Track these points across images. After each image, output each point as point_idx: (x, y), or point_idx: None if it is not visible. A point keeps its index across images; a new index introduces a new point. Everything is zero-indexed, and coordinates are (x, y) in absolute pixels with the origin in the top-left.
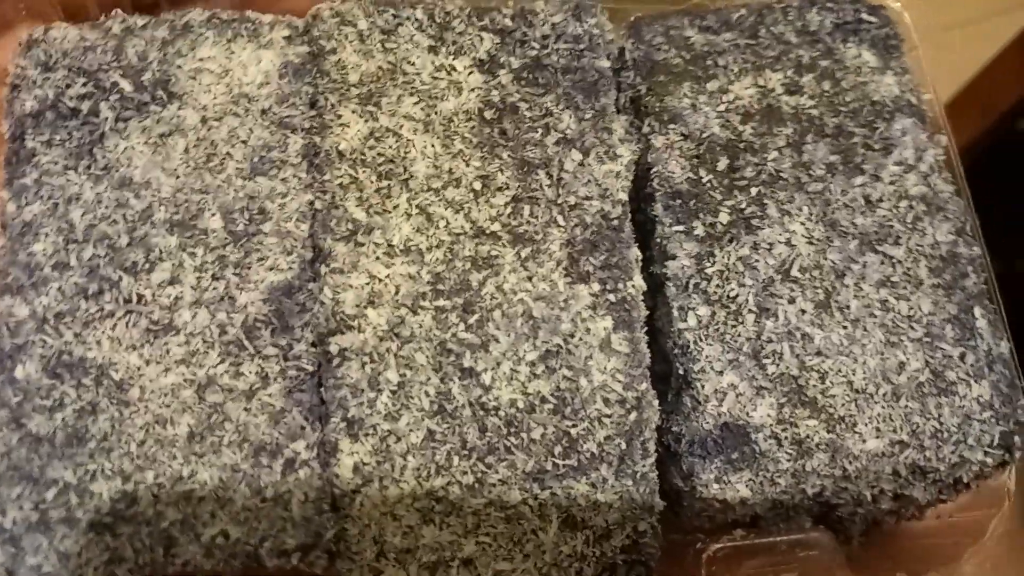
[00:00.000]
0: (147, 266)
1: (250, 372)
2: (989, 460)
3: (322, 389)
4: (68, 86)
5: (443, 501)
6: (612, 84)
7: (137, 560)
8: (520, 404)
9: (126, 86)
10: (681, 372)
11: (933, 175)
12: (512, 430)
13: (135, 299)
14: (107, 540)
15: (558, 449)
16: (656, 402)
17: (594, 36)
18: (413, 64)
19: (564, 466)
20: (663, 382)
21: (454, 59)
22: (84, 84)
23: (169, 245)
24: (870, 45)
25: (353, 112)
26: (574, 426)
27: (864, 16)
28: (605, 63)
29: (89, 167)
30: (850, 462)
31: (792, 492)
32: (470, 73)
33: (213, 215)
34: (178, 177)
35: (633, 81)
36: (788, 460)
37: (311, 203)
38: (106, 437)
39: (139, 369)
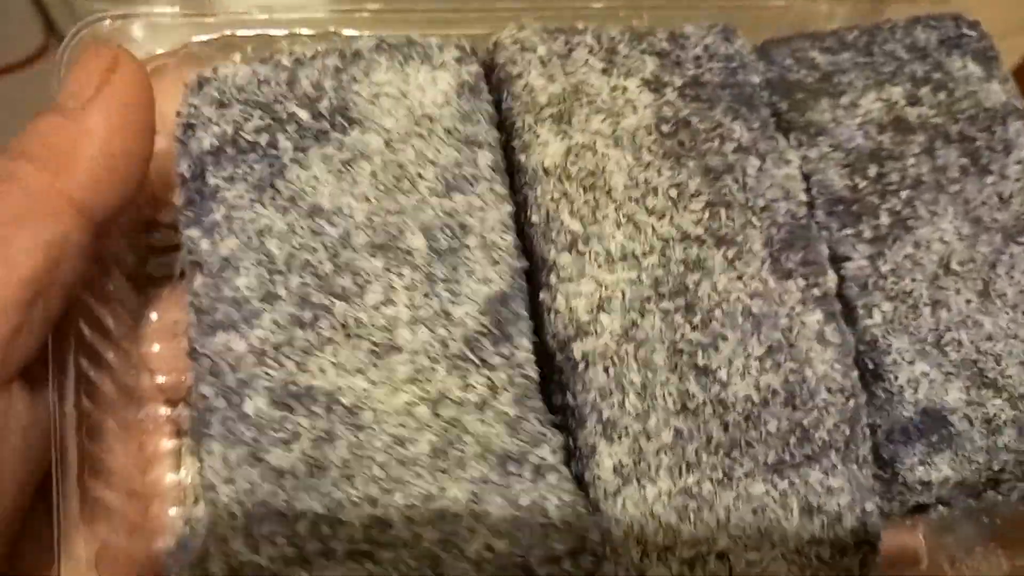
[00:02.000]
0: (357, 290)
1: (478, 384)
2: None
3: (567, 395)
4: (246, 119)
5: (697, 497)
6: (764, 99)
7: None
8: (755, 398)
9: (303, 115)
10: (871, 367)
11: None
12: (751, 424)
13: (352, 323)
14: (369, 567)
15: (793, 440)
16: (865, 393)
17: (744, 56)
18: (592, 85)
19: (800, 455)
20: None
21: (626, 79)
22: (261, 117)
23: (375, 268)
24: (972, 57)
25: (549, 131)
26: (805, 416)
27: (965, 31)
28: (756, 78)
29: (274, 198)
30: None
31: (985, 470)
32: (640, 92)
33: (414, 235)
34: (369, 201)
35: (771, 99)
36: (981, 438)
37: (511, 214)
38: (347, 464)
39: (367, 392)
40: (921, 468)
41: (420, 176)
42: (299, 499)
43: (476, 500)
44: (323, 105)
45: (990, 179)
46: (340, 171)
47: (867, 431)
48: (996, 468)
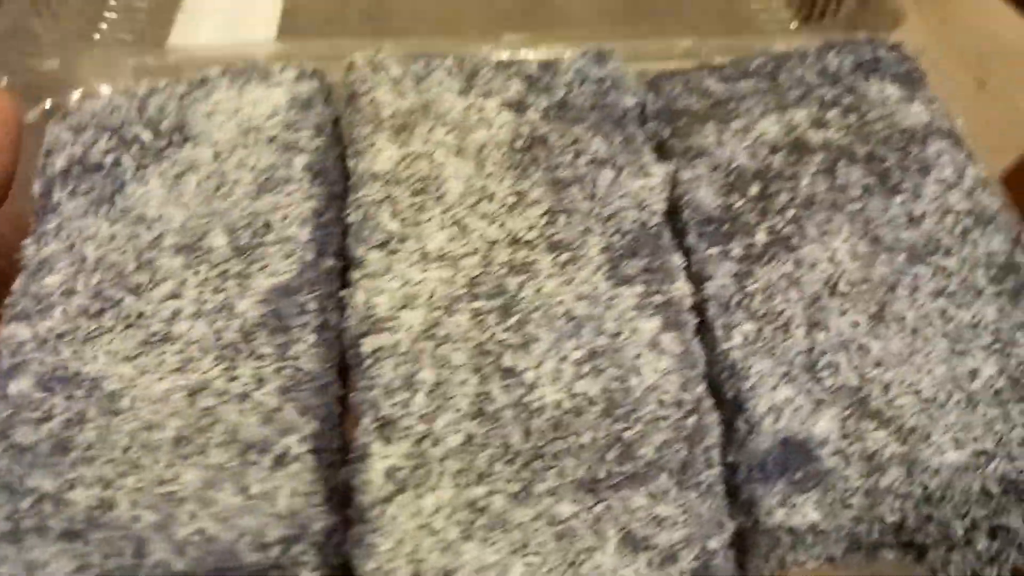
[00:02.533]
0: (150, 286)
1: (245, 374)
2: None
3: (351, 395)
4: (94, 142)
5: (486, 512)
6: (638, 121)
7: (104, 565)
8: (566, 405)
9: (146, 136)
10: (731, 396)
11: (978, 191)
12: (559, 433)
13: (135, 316)
14: (77, 547)
15: (611, 455)
16: (716, 414)
17: (617, 78)
18: (444, 103)
19: (618, 473)
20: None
21: (484, 99)
22: (108, 139)
23: (174, 265)
24: (892, 79)
25: (387, 140)
26: (627, 429)
27: (881, 54)
28: (631, 100)
29: (108, 212)
30: (930, 477)
31: (868, 518)
32: (499, 112)
33: (217, 235)
34: (188, 208)
35: (657, 128)
36: (859, 477)
37: (315, 211)
38: (91, 446)
39: (132, 380)
40: (781, 511)
41: (237, 182)
42: (32, 476)
43: (207, 486)
44: (164, 125)
45: (899, 198)
46: (171, 184)
47: (715, 456)
48: (890, 518)
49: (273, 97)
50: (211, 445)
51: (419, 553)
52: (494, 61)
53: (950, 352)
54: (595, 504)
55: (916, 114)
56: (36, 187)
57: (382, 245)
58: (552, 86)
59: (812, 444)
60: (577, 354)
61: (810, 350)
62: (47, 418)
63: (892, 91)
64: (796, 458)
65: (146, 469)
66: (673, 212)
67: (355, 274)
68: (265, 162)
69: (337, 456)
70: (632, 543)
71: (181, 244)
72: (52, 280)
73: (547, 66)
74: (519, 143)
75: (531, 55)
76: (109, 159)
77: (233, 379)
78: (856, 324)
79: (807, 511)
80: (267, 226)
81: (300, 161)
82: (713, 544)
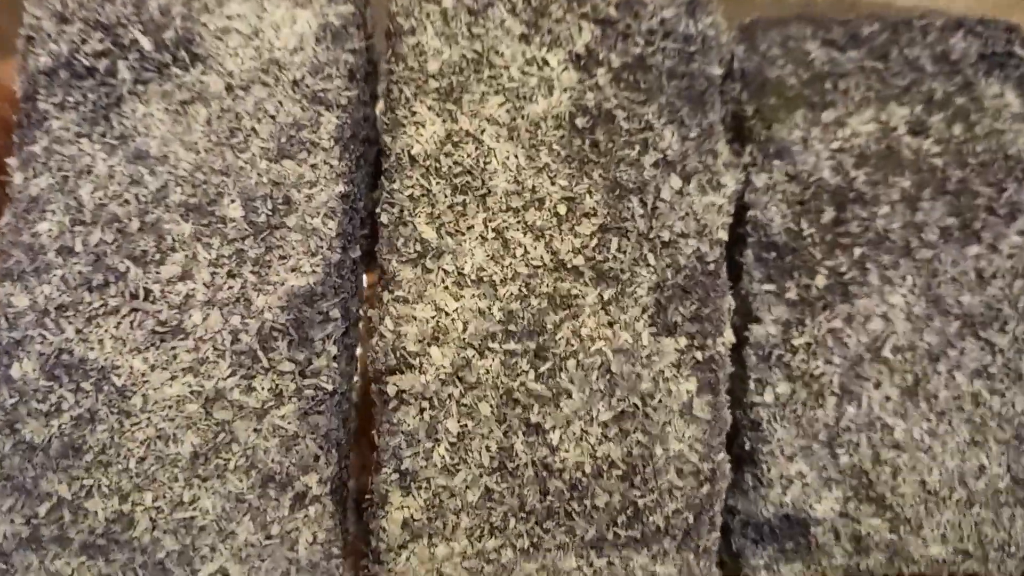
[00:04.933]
0: (157, 256)
1: (263, 388)
2: None
3: (374, 433)
4: (84, 41)
5: (494, 564)
6: (720, 97)
7: None
8: (587, 468)
9: (146, 44)
10: (748, 448)
11: None
12: (575, 495)
13: (142, 294)
14: (99, 565)
15: (622, 519)
16: (729, 469)
17: (708, 38)
18: (502, 55)
19: (626, 537)
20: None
21: (548, 51)
22: (101, 40)
23: (183, 233)
24: (1016, 84)
25: (430, 109)
26: (642, 496)
27: (1017, 50)
28: (717, 70)
29: (104, 135)
30: (908, 565)
31: None
32: (564, 69)
33: (233, 201)
34: (198, 153)
35: (739, 95)
36: (843, 556)
37: (343, 196)
38: (104, 450)
39: (143, 375)
40: (764, 573)
41: (255, 132)
42: (46, 479)
43: (226, 518)
44: (168, 35)
45: (974, 249)
46: (177, 112)
47: (717, 521)
48: None
49: (300, 22)
50: (229, 469)
51: None
52: None
53: (969, 442)
54: (598, 560)
55: None
56: (18, 84)
57: (416, 260)
58: (630, 34)
59: (810, 522)
60: (606, 416)
61: (836, 422)
62: (56, 412)
63: (1011, 99)
64: (792, 531)
65: (163, 486)
66: (736, 213)
67: (385, 294)
68: (288, 115)
69: (346, 487)
70: None
71: (191, 204)
72: (46, 228)
73: (628, 5)
74: (581, 120)
75: None
76: (102, 65)
77: (250, 390)
78: (888, 399)
79: None
80: (288, 202)
81: (329, 123)
82: None
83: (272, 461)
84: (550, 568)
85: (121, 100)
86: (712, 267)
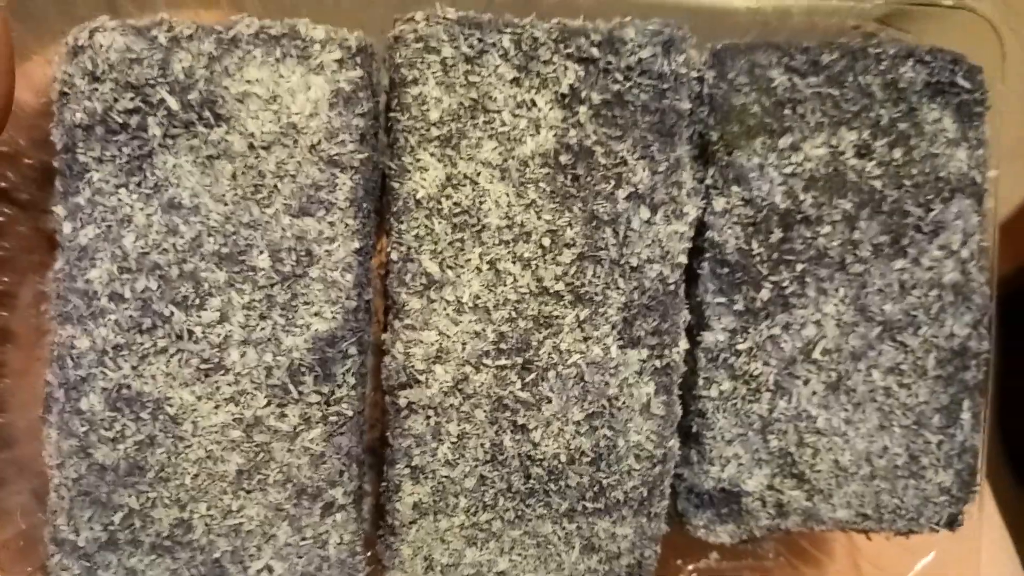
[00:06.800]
0: (197, 301)
1: (294, 415)
2: (927, 532)
3: (387, 434)
4: (116, 100)
5: (486, 531)
6: (688, 127)
7: None
8: (562, 457)
9: (173, 104)
10: (695, 431)
11: (971, 263)
12: (552, 478)
13: (186, 335)
14: (167, 562)
15: (590, 494)
16: (677, 449)
17: (680, 76)
18: (495, 100)
19: (593, 508)
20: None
21: (536, 93)
22: (132, 99)
23: (218, 280)
24: (954, 110)
25: (432, 155)
26: (607, 477)
27: (959, 80)
28: (686, 104)
29: (140, 184)
30: (817, 524)
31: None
32: (551, 109)
33: (261, 253)
34: (226, 204)
35: (705, 119)
36: (768, 519)
37: (357, 250)
38: (163, 468)
39: (192, 406)
40: (703, 531)
41: (277, 190)
42: (117, 494)
43: (268, 524)
44: (192, 96)
45: (900, 263)
46: (204, 165)
47: (666, 492)
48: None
49: (314, 88)
50: (268, 483)
51: (432, 556)
52: (554, 36)
53: (878, 428)
54: (569, 525)
55: (958, 161)
56: (55, 136)
57: (422, 292)
58: (610, 70)
59: (742, 494)
60: (579, 416)
61: (769, 413)
62: (120, 438)
63: (948, 125)
64: (727, 500)
65: (215, 497)
66: (697, 230)
67: (395, 322)
68: (307, 177)
69: (364, 487)
70: (591, 549)
71: (223, 253)
72: (96, 275)
73: (610, 43)
74: (564, 157)
75: None
76: (134, 121)
77: (283, 417)
78: (814, 393)
79: (722, 536)
80: (309, 255)
81: (344, 185)
82: (648, 552)
83: (304, 476)
84: (531, 533)
85: (153, 153)
86: (672, 287)
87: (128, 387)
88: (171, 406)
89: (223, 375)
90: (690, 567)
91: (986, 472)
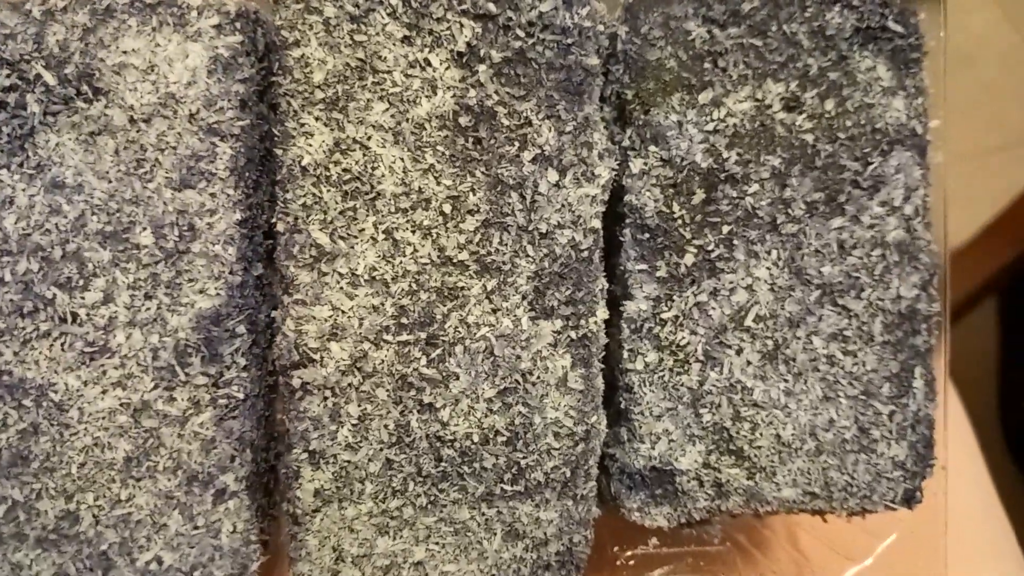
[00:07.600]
0: (81, 282)
1: (182, 399)
2: (883, 510)
3: (283, 418)
4: None
5: (397, 519)
6: (598, 85)
7: None
8: (475, 437)
9: (49, 79)
10: (623, 407)
11: (915, 219)
12: (466, 460)
13: (70, 318)
14: (53, 556)
15: (507, 476)
16: (604, 426)
17: (584, 29)
18: (384, 60)
19: (512, 491)
20: (607, 400)
21: (430, 52)
22: (8, 76)
23: (102, 260)
24: (888, 57)
25: (317, 120)
26: (524, 457)
27: (890, 24)
28: (594, 60)
29: (22, 164)
30: (762, 505)
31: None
32: (447, 68)
33: (144, 229)
34: (110, 182)
35: (621, 77)
36: (706, 500)
37: (240, 222)
38: (48, 457)
39: (77, 391)
40: (638, 514)
41: (159, 162)
42: (1, 485)
43: (158, 513)
44: (69, 70)
45: (838, 222)
46: (87, 142)
47: (593, 472)
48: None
49: (192, 56)
50: (158, 470)
51: (341, 546)
52: None
53: (822, 399)
54: (488, 510)
55: (895, 111)
56: None
57: (312, 264)
58: (511, 27)
59: (676, 473)
60: (491, 393)
61: (700, 386)
62: (2, 427)
63: (883, 73)
64: (660, 480)
65: (102, 487)
66: (615, 194)
67: (285, 297)
68: (187, 147)
69: (265, 477)
70: (515, 535)
71: (107, 232)
72: None
73: None
74: (464, 119)
75: None
76: (12, 99)
77: (172, 401)
78: (748, 363)
79: (658, 518)
80: (192, 229)
81: (224, 154)
82: (578, 537)
83: (195, 463)
84: (447, 519)
85: (34, 131)
86: (586, 254)
87: (10, 373)
88: (55, 392)
89: (109, 358)
90: (628, 553)
91: (987, 462)
